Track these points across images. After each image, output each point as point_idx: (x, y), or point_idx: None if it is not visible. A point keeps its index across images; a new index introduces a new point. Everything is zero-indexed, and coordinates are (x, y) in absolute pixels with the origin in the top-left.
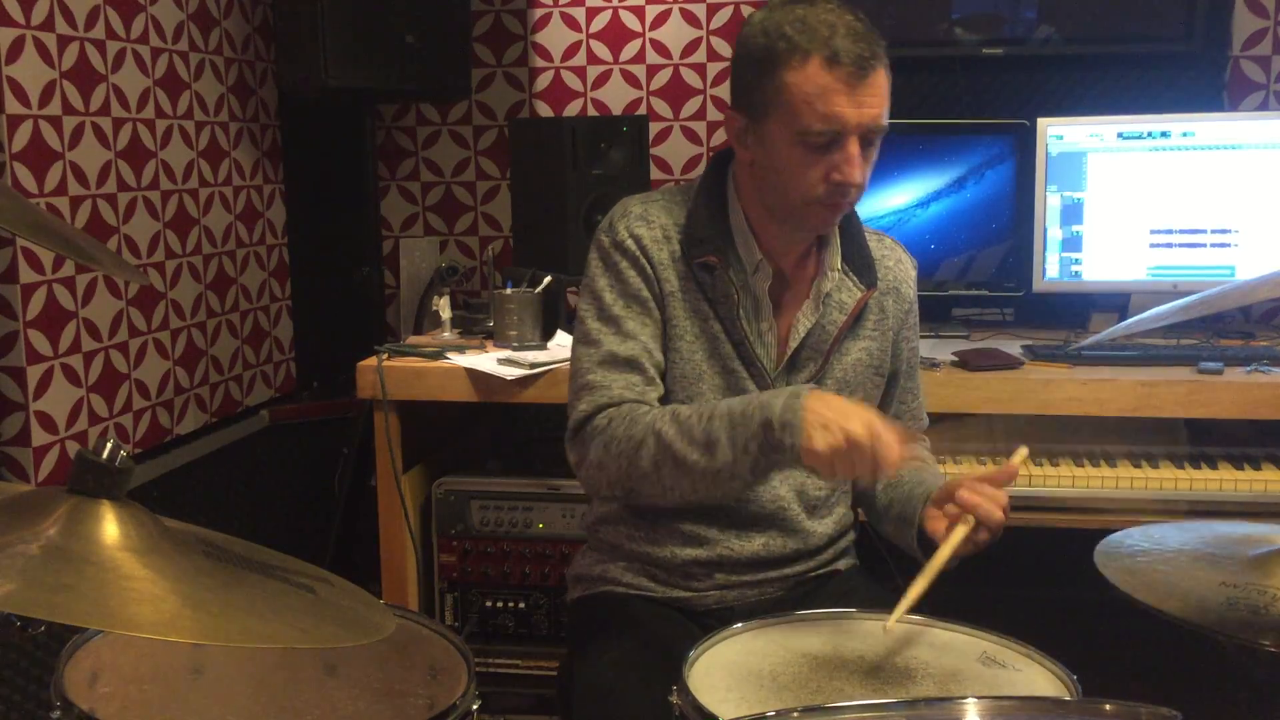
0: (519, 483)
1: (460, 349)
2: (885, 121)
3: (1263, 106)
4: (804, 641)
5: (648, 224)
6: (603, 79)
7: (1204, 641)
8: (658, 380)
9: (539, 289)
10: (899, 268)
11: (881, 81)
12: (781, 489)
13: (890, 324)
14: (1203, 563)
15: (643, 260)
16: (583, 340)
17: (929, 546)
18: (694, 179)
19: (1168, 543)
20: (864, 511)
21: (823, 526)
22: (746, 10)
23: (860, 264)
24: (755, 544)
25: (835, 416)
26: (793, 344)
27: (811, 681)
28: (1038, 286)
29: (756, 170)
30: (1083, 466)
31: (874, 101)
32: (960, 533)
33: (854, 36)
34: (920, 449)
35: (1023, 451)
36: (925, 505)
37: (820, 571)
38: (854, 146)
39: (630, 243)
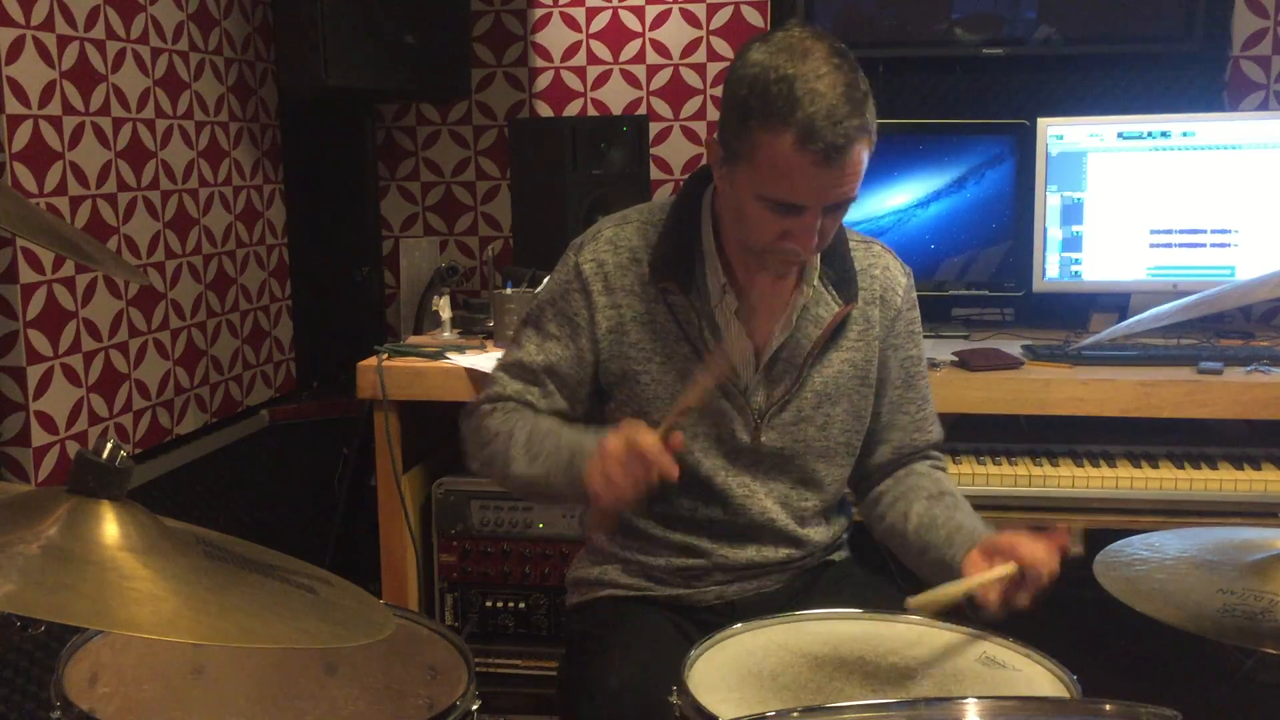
0: None
1: (460, 349)
2: (854, 194)
3: (1263, 106)
4: (804, 641)
5: (615, 249)
6: (603, 79)
7: (1204, 642)
8: (554, 394)
9: (539, 289)
10: (885, 275)
11: (855, 160)
12: (767, 501)
13: (876, 333)
14: (1201, 570)
15: (594, 288)
16: (513, 335)
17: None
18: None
19: (1166, 550)
20: (895, 551)
21: (816, 534)
22: (747, 11)
23: (841, 277)
24: (749, 551)
25: (609, 438)
26: (764, 359)
27: (811, 681)
28: (1038, 286)
29: (724, 202)
30: (1083, 466)
31: (841, 181)
32: (1003, 570)
33: (834, 119)
34: (946, 480)
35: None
36: (968, 552)
37: (815, 564)
38: (812, 216)
39: (589, 267)
